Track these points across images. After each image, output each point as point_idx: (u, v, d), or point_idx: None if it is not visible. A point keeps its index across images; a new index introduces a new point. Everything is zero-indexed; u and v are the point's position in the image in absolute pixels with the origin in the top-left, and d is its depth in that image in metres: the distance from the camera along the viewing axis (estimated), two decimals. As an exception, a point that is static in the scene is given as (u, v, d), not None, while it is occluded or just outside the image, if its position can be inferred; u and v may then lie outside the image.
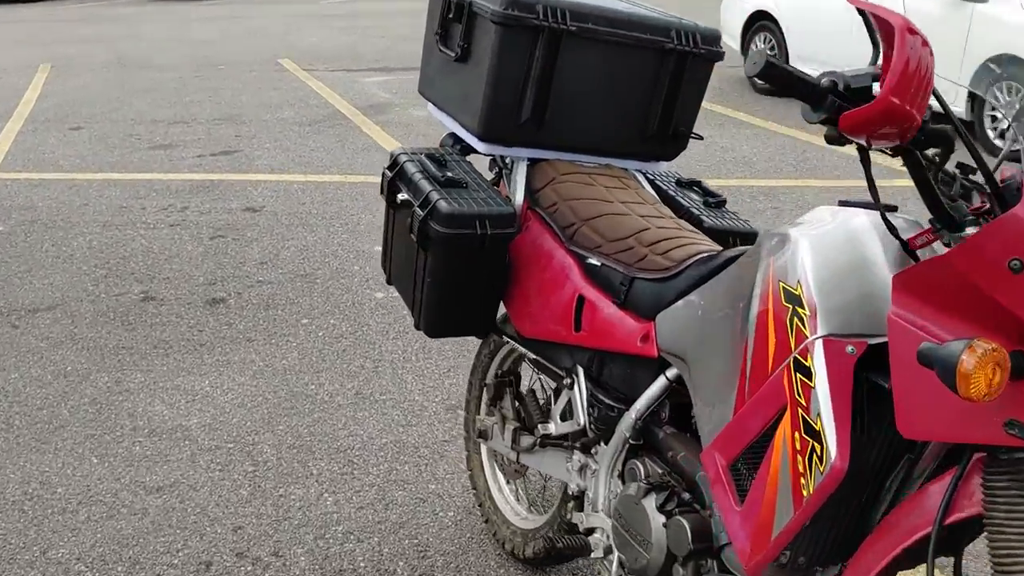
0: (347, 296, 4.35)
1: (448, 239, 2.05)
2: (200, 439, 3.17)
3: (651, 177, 2.46)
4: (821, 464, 1.36)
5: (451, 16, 2.34)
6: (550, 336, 2.14)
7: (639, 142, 2.38)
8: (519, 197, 2.27)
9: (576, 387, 2.09)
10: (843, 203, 1.62)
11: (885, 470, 1.45)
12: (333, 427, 3.24)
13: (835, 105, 1.34)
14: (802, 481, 1.39)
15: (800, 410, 1.42)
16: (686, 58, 2.31)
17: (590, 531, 2.05)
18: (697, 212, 2.34)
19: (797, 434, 1.42)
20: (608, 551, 1.98)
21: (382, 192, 2.32)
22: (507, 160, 2.40)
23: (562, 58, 2.20)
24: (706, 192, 2.47)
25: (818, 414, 1.39)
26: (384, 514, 2.77)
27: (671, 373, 1.88)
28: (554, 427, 2.19)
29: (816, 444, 1.37)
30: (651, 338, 1.88)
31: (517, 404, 2.44)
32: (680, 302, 1.84)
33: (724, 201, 2.41)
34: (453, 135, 2.54)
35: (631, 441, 1.94)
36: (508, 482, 2.64)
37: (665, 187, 2.45)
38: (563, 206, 2.19)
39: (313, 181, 6.15)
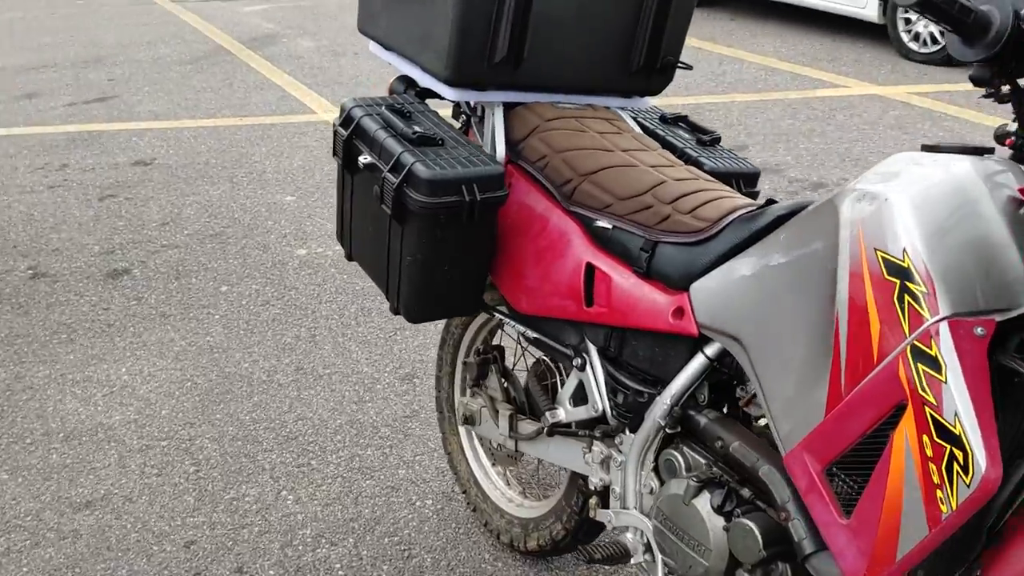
0: (266, 256, 3.95)
1: (431, 209, 1.73)
2: (127, 439, 2.79)
3: (634, 115, 2.17)
4: (966, 475, 1.14)
5: (401, -64, 1.97)
6: (553, 312, 1.86)
7: (623, 76, 2.08)
8: (500, 151, 1.95)
9: (589, 369, 1.83)
10: (927, 148, 1.38)
11: (1014, 465, 1.24)
12: (278, 411, 2.91)
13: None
14: (939, 494, 1.17)
15: (929, 409, 1.18)
16: (671, -22, 2.01)
17: (620, 530, 1.82)
18: (694, 153, 2.07)
19: (926, 438, 1.19)
20: (647, 551, 1.75)
21: (335, 154, 1.96)
22: (476, 106, 2.07)
23: (540, -18, 1.88)
24: (695, 128, 2.20)
25: (955, 414, 1.15)
26: (355, 510, 2.48)
27: (711, 351, 1.63)
28: (564, 413, 1.92)
29: (956, 450, 1.15)
30: (687, 313, 1.62)
31: (506, 384, 2.16)
32: (721, 270, 1.58)
33: (719, 138, 2.15)
34: (405, 79, 2.18)
35: (667, 430, 1.69)
36: (494, 465, 2.38)
37: (652, 126, 2.17)
38: (555, 159, 1.88)
39: (205, 126, 5.62)
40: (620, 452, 1.81)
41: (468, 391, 2.26)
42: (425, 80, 2.00)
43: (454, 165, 1.76)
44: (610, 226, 1.77)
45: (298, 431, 2.81)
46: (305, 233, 4.15)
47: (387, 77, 6.49)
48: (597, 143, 1.91)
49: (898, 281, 1.25)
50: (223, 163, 5.01)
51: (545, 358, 2.00)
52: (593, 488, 1.87)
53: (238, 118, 5.75)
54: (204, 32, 8.01)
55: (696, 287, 1.62)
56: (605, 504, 1.87)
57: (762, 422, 1.62)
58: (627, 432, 1.79)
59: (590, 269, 1.79)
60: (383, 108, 1.91)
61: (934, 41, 6.28)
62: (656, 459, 1.74)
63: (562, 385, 1.96)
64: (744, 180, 2.07)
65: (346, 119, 1.93)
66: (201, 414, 2.90)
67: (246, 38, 7.79)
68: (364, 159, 1.84)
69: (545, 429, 1.94)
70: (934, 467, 1.17)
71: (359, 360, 3.17)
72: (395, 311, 1.92)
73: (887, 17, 6.54)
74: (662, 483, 1.74)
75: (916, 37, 6.39)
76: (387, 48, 2.14)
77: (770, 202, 1.66)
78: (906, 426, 1.21)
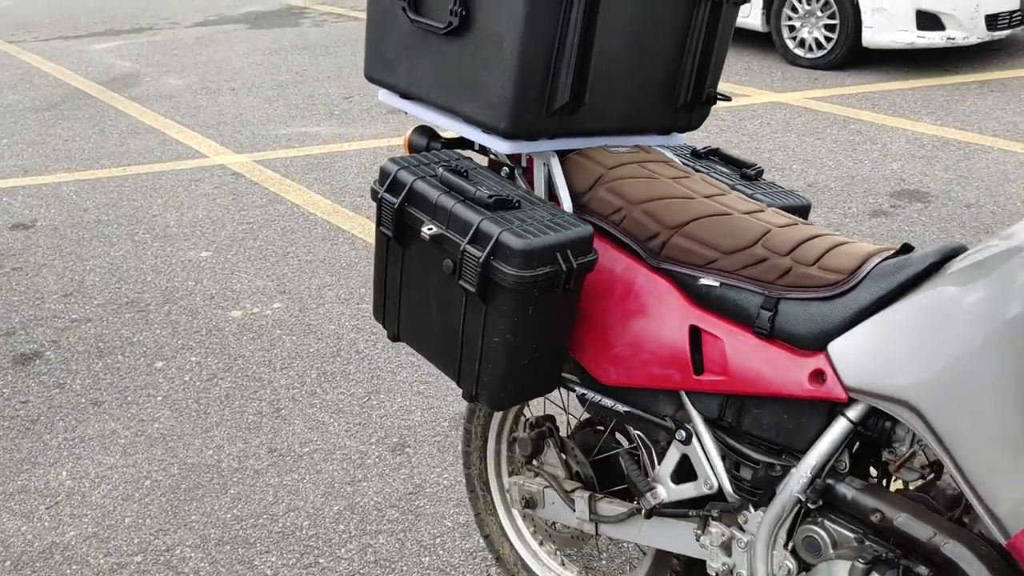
0: (197, 322, 3.57)
1: (527, 284, 1.50)
2: (91, 558, 2.41)
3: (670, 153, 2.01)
4: None
5: (428, -29, 1.73)
6: (652, 382, 1.66)
7: (668, 111, 1.92)
8: (567, 206, 1.74)
9: (697, 442, 1.65)
10: None
11: None
12: (262, 503, 2.58)
13: None
14: None
15: None
16: (721, 4, 1.86)
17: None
18: (747, 191, 1.93)
19: None
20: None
21: (381, 224, 1.70)
22: (519, 156, 1.86)
23: (601, 15, 1.68)
24: (732, 161, 2.05)
25: None
26: (386, 612, 2.21)
27: (854, 413, 1.48)
28: (664, 492, 1.73)
29: None
30: (829, 376, 1.47)
31: (569, 459, 1.95)
32: (870, 325, 1.43)
33: (762, 171, 2.02)
34: (426, 130, 1.95)
35: (809, 504, 1.53)
36: (543, 544, 2.16)
37: (690, 162, 2.02)
38: (634, 212, 1.69)
39: (85, 179, 5.12)
40: (744, 531, 1.63)
41: (520, 469, 2.03)
42: (469, 133, 1.77)
43: (543, 230, 1.54)
44: (717, 283, 1.60)
45: (293, 525, 2.49)
46: (235, 292, 3.78)
47: (277, 114, 6.16)
48: (674, 190, 1.73)
49: None
50: (117, 220, 4.55)
51: (638, 433, 1.80)
52: (714, 573, 1.69)
53: (121, 168, 5.26)
54: (54, 74, 7.37)
55: (837, 346, 1.47)
56: (730, 591, 1.68)
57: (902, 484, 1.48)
58: (752, 509, 1.61)
59: (696, 333, 1.61)
60: (438, 168, 1.67)
61: (819, 46, 6.46)
62: (790, 536, 1.58)
63: (659, 461, 1.76)
64: (797, 214, 1.94)
65: (393, 184, 1.68)
66: (173, 517, 2.54)
67: (104, 79, 7.21)
68: (429, 230, 1.59)
69: (645, 511, 1.74)
70: None
71: (338, 433, 2.87)
72: (472, 398, 1.68)
73: (771, 25, 6.68)
74: (799, 563, 1.57)
75: (802, 43, 6.56)
76: (407, 96, 1.89)
77: (907, 247, 1.52)
78: None
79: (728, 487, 1.62)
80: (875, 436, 1.50)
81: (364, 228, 4.33)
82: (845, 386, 1.46)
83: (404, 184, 1.66)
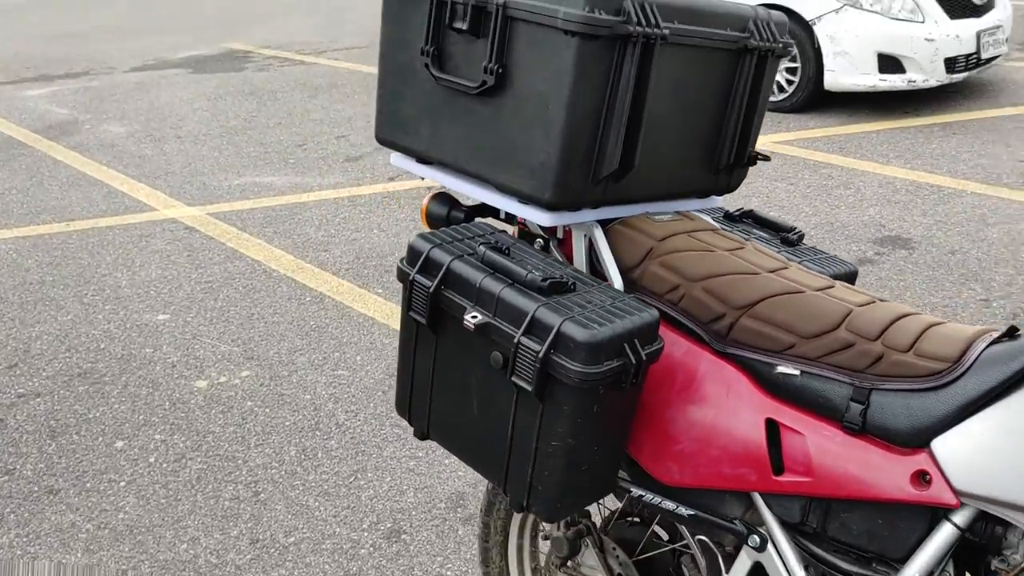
0: (159, 394, 3.29)
1: (594, 381, 1.31)
2: None
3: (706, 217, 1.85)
4: None
5: (458, 26, 1.55)
6: (721, 483, 1.48)
7: (709, 174, 1.76)
8: (617, 284, 1.56)
9: (773, 549, 1.46)
10: None
11: None
12: (248, 605, 2.33)
13: None
14: None
15: None
16: (766, 58, 1.72)
17: None
18: (795, 259, 1.77)
19: None
20: None
21: (411, 309, 1.50)
22: (559, 228, 1.68)
23: (652, 77, 1.52)
24: (769, 224, 1.90)
25: None
26: None
27: (961, 519, 1.31)
28: (734, 601, 1.54)
29: None
30: (935, 477, 1.30)
31: (610, 560, 1.75)
32: (985, 421, 1.27)
33: (803, 235, 1.86)
34: (446, 198, 1.76)
35: None
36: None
37: (728, 228, 1.86)
38: (694, 290, 1.52)
39: (26, 236, 4.79)
40: (833, 649, 1.45)
41: (553, 570, 1.82)
42: (503, 203, 1.58)
43: (607, 317, 1.35)
44: (798, 372, 1.42)
45: (284, 630, 2.24)
46: (198, 359, 3.51)
47: (229, 163, 5.88)
48: (734, 264, 1.56)
49: None
50: (63, 280, 4.25)
51: (701, 538, 1.61)
52: None
53: (63, 223, 4.95)
54: (-14, 122, 7.01)
55: (944, 444, 1.30)
56: None
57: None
58: (840, 624, 1.43)
59: (773, 427, 1.43)
60: (477, 246, 1.47)
61: (780, 89, 6.44)
62: (890, 657, 1.40)
63: (725, 568, 1.57)
64: (846, 282, 1.79)
65: (426, 264, 1.48)
66: (147, 626, 2.27)
67: (39, 126, 6.87)
68: (474, 318, 1.39)
69: (712, 625, 1.55)
70: None
71: (325, 518, 2.63)
72: (522, 508, 1.47)
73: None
74: None
75: None
76: (425, 161, 1.70)
77: (1014, 329, 1.37)
78: None
79: None
80: (983, 543, 1.34)
81: (332, 286, 4.10)
82: (955, 489, 1.29)
83: (440, 264, 1.46)
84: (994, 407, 1.28)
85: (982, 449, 1.27)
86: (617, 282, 1.56)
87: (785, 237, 1.85)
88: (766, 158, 1.83)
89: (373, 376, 3.35)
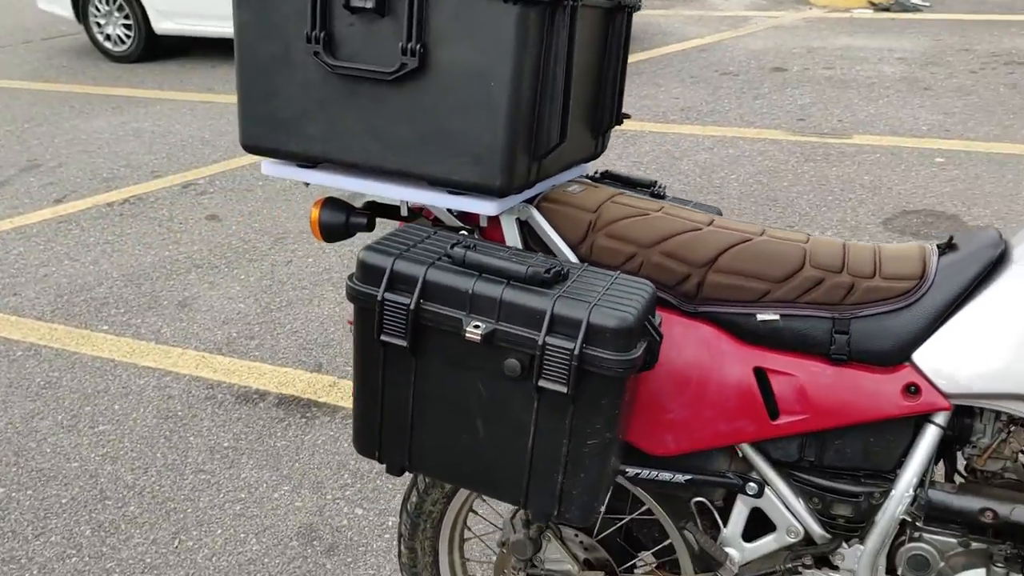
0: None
1: (631, 367, 1.22)
2: None
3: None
4: None
5: (359, 5, 1.34)
6: (718, 441, 1.46)
7: (593, 137, 1.71)
8: (574, 261, 1.47)
9: (771, 492, 1.48)
10: None
11: None
12: None
13: None
14: None
15: None
16: (630, 16, 1.70)
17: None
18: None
19: None
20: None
21: (386, 332, 1.29)
22: (482, 216, 1.54)
23: (576, 42, 1.43)
24: (631, 181, 1.91)
25: None
26: None
27: (942, 419, 1.42)
28: (739, 554, 1.54)
29: None
30: (923, 387, 1.38)
31: (573, 548, 1.68)
32: (954, 326, 1.37)
33: (664, 187, 1.89)
34: (337, 203, 1.56)
35: (918, 522, 1.44)
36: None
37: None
38: (652, 256, 1.47)
39: None
40: (839, 570, 1.51)
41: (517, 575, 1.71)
42: (432, 198, 1.42)
43: (623, 300, 1.26)
44: (778, 316, 1.44)
45: None
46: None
47: None
48: (677, 224, 1.53)
49: None
50: None
51: (700, 500, 1.57)
52: (812, 627, 1.54)
53: None
54: None
55: (924, 355, 1.39)
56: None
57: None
58: (846, 545, 1.49)
59: (761, 375, 1.44)
60: (449, 247, 1.30)
61: (121, 41, 7.61)
62: (888, 561, 1.49)
63: (723, 523, 1.56)
64: None
65: (394, 279, 1.28)
66: None
67: None
68: (477, 329, 1.23)
69: (721, 584, 1.54)
70: None
71: (164, 597, 2.26)
72: (549, 518, 1.34)
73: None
74: (903, 584, 1.49)
75: (108, 37, 7.70)
76: (315, 162, 1.48)
77: (951, 239, 1.48)
78: None
79: (817, 529, 1.48)
80: (955, 436, 1.46)
81: (43, 333, 3.51)
82: (944, 393, 1.39)
83: (413, 277, 1.28)
84: (962, 312, 1.38)
85: (960, 351, 1.37)
86: (573, 260, 1.47)
87: (653, 192, 1.85)
88: (628, 116, 1.82)
89: (145, 423, 2.93)
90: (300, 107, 1.44)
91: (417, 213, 1.58)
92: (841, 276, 1.44)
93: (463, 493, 1.79)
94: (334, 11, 1.38)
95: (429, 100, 1.37)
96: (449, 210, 1.56)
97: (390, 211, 1.59)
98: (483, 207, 1.41)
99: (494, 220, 1.55)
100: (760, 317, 1.44)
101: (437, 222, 1.58)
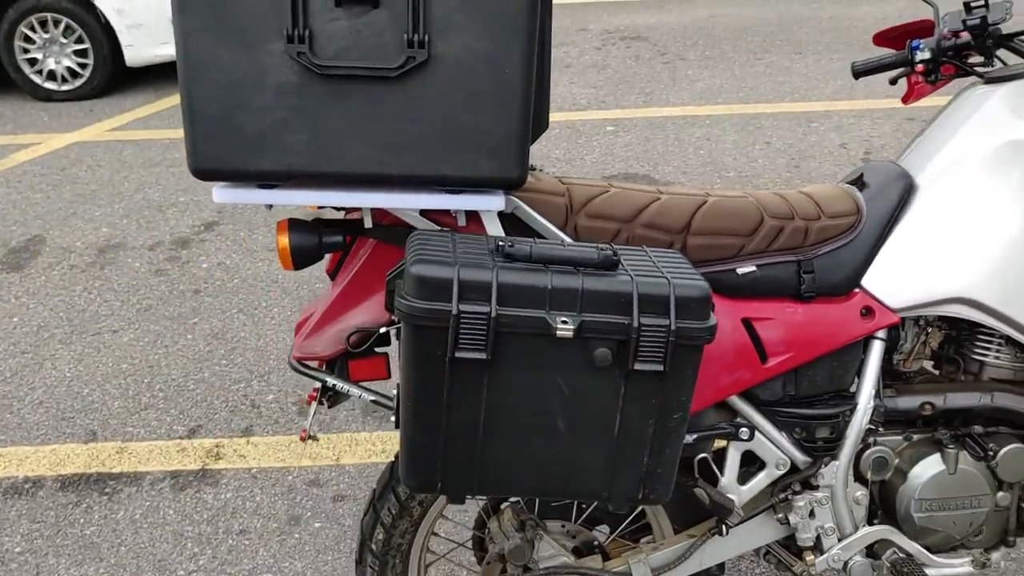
0: None
1: (712, 334, 1.25)
2: None
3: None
4: None
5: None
6: (721, 395, 1.52)
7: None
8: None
9: (758, 433, 1.59)
10: (992, 79, 1.62)
11: None
12: None
13: None
14: None
15: None
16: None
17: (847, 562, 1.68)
18: None
19: None
20: (894, 559, 1.68)
21: (465, 348, 1.17)
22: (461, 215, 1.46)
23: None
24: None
25: None
26: None
27: (883, 332, 1.62)
28: (739, 497, 1.62)
29: None
30: (876, 308, 1.57)
31: (562, 539, 1.67)
32: (888, 251, 1.56)
33: (541, 167, 1.93)
34: (306, 225, 1.40)
35: (880, 427, 1.64)
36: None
37: None
38: (635, 229, 1.49)
39: None
40: (820, 488, 1.66)
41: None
42: (429, 201, 1.32)
43: (679, 269, 1.28)
44: (755, 267, 1.54)
45: None
46: None
47: None
48: (642, 196, 1.56)
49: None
50: None
51: (706, 456, 1.61)
52: (804, 546, 1.67)
53: None
54: None
55: (871, 279, 1.57)
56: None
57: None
58: (825, 463, 1.65)
59: (748, 324, 1.54)
60: (506, 247, 1.22)
61: (75, 75, 5.81)
62: (855, 470, 1.67)
63: (720, 472, 1.63)
64: None
65: (466, 289, 1.17)
66: None
67: None
68: (567, 324, 1.17)
69: (726, 529, 1.62)
70: None
71: None
72: (635, 504, 1.32)
73: (8, 62, 5.75)
74: (867, 485, 1.68)
75: (52, 75, 5.82)
76: (290, 179, 1.30)
77: (860, 175, 1.68)
78: None
79: (801, 456, 1.62)
80: (890, 346, 1.67)
81: None
82: (892, 309, 1.58)
83: (484, 283, 1.18)
84: (892, 236, 1.58)
85: (899, 271, 1.57)
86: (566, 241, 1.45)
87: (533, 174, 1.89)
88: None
89: None
90: (274, 118, 1.26)
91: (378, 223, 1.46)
92: (796, 222, 1.58)
93: (429, 517, 1.69)
94: (312, 5, 1.23)
95: (434, 95, 1.27)
96: (422, 212, 1.46)
97: (354, 226, 1.45)
98: (490, 203, 1.34)
99: (474, 218, 1.47)
100: (740, 271, 1.54)
101: (400, 227, 1.47)
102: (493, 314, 1.19)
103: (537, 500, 1.71)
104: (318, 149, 1.28)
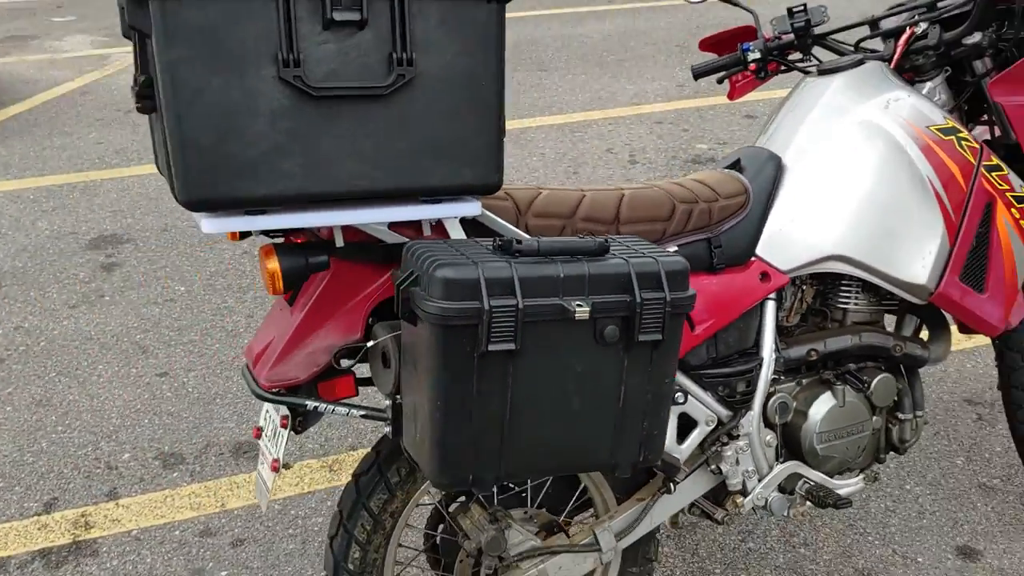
0: None
1: (694, 301, 1.43)
2: None
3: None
4: None
5: (344, 18, 1.24)
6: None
7: None
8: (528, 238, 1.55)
9: (688, 397, 1.78)
10: (824, 71, 1.92)
11: None
12: None
13: None
14: None
15: (1009, 193, 1.87)
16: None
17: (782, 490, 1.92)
18: None
19: (1014, 210, 1.89)
20: (807, 487, 1.93)
21: (498, 341, 1.24)
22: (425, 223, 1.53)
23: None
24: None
25: (1021, 185, 1.90)
26: None
27: (774, 295, 1.87)
28: (681, 457, 1.79)
29: None
30: (771, 272, 1.81)
31: (526, 525, 1.77)
32: (771, 221, 1.81)
33: None
34: (289, 248, 1.42)
35: (782, 375, 1.88)
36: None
37: None
38: (576, 223, 1.64)
39: None
40: (740, 437, 1.87)
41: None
42: (409, 213, 1.39)
43: (655, 249, 1.45)
44: (676, 247, 1.73)
45: None
46: None
47: None
48: (571, 195, 1.70)
49: (952, 137, 1.85)
50: None
51: None
52: (733, 489, 1.87)
53: None
54: None
55: (763, 247, 1.82)
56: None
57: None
58: (742, 416, 1.86)
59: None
60: (512, 244, 1.32)
61: None
62: (765, 419, 1.90)
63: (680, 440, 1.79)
64: None
65: (493, 285, 1.26)
66: None
67: None
68: (583, 307, 1.29)
69: (674, 485, 1.79)
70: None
71: None
72: (635, 467, 1.44)
73: None
74: (773, 428, 1.91)
75: None
76: (279, 201, 1.31)
77: (739, 161, 1.91)
78: (1000, 213, 1.88)
79: (724, 411, 1.83)
80: (779, 304, 1.93)
81: None
82: (784, 272, 1.83)
83: (508, 279, 1.27)
84: (774, 210, 1.84)
85: (783, 238, 1.83)
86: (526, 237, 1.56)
87: None
88: None
89: None
90: (269, 143, 1.27)
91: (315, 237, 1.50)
92: (700, 204, 1.79)
93: (399, 527, 1.73)
94: (301, 30, 1.26)
95: (420, 110, 1.34)
96: (390, 225, 1.50)
97: (326, 245, 1.47)
98: (467, 209, 1.43)
99: (437, 227, 1.54)
100: (669, 250, 1.72)
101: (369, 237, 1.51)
102: (520, 306, 1.28)
103: (495, 491, 1.79)
104: (311, 172, 1.31)
